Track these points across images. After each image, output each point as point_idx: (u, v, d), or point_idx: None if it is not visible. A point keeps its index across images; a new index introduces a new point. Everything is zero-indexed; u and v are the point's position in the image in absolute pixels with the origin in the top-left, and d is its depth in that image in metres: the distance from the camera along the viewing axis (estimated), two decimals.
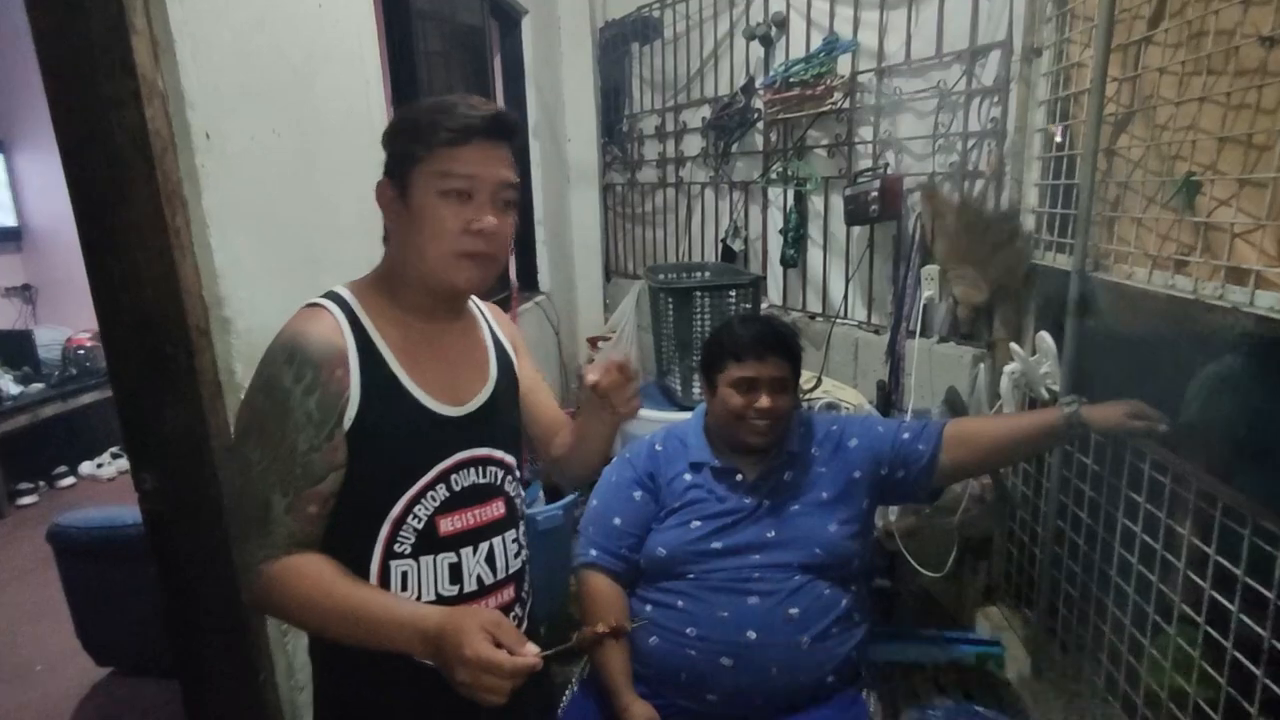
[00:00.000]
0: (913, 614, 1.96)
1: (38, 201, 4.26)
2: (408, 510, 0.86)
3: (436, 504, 0.88)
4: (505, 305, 2.78)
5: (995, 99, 1.83)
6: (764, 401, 1.35)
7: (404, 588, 0.87)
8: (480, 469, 0.93)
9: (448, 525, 0.89)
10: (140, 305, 1.10)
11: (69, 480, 3.89)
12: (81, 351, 3.96)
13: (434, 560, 0.88)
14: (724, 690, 1.29)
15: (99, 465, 3.97)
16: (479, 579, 0.91)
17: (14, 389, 3.59)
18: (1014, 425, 1.37)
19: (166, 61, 1.05)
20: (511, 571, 0.96)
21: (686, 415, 2.16)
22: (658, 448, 1.51)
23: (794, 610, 1.31)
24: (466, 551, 0.90)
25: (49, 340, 3.93)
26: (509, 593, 0.96)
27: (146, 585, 2.01)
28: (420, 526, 0.87)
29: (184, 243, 1.09)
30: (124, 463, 4.05)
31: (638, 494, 1.45)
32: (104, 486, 3.90)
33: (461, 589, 0.90)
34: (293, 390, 0.80)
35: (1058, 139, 1.53)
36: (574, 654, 0.87)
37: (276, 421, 0.80)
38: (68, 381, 3.83)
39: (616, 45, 3.45)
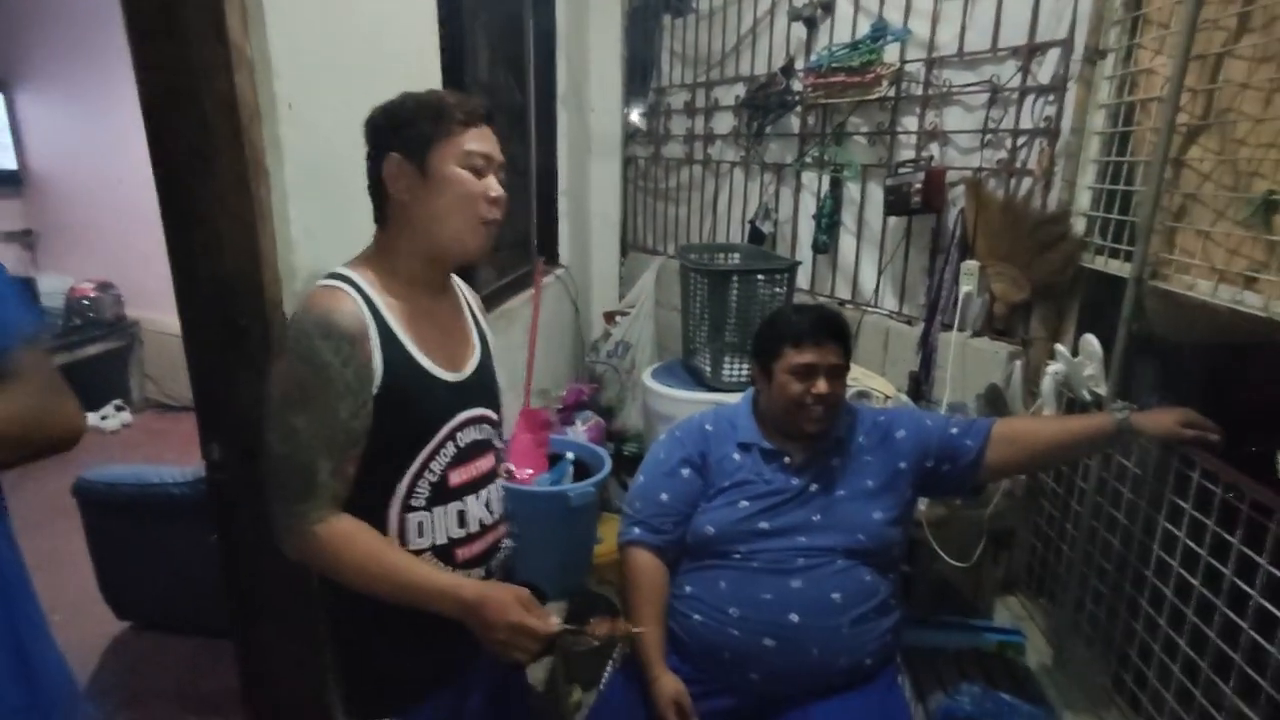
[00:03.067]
0: (931, 600, 2.01)
1: (40, 144, 4.14)
2: (424, 466, 0.97)
3: (448, 459, 1.00)
4: (528, 280, 2.77)
5: (1051, 98, 1.83)
6: (822, 387, 1.37)
7: (420, 535, 0.99)
8: (478, 426, 1.05)
9: (456, 477, 1.01)
10: (219, 275, 1.09)
11: None
12: (86, 302, 3.90)
13: (445, 509, 1.01)
14: (766, 670, 1.33)
15: (103, 418, 3.94)
16: (480, 521, 1.05)
17: None
18: (1064, 428, 1.40)
19: (255, 30, 1.03)
20: (502, 513, 1.12)
21: (712, 396, 2.20)
22: (708, 428, 1.52)
23: (836, 595, 1.34)
24: (470, 499, 1.03)
25: (51, 289, 3.85)
26: (503, 529, 1.12)
27: (170, 545, 2.05)
28: (435, 480, 0.99)
29: (265, 212, 1.08)
30: (127, 416, 4.03)
31: (686, 472, 1.47)
32: (109, 439, 3.88)
33: (467, 531, 1.03)
34: (332, 362, 0.88)
35: None
36: (584, 636, 1.01)
37: (320, 391, 0.89)
38: (71, 332, 3.79)
39: (645, 15, 3.39)
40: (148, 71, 1.02)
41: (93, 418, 3.93)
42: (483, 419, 1.06)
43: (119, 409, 4.02)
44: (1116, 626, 1.50)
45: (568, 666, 1.94)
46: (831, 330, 1.41)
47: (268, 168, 1.08)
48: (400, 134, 0.94)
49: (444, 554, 1.01)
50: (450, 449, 1.00)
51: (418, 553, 0.99)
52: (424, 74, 1.60)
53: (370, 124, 0.97)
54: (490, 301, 2.48)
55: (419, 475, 0.97)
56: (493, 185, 0.98)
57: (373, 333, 0.92)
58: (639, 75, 3.47)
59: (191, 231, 1.07)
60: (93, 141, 3.98)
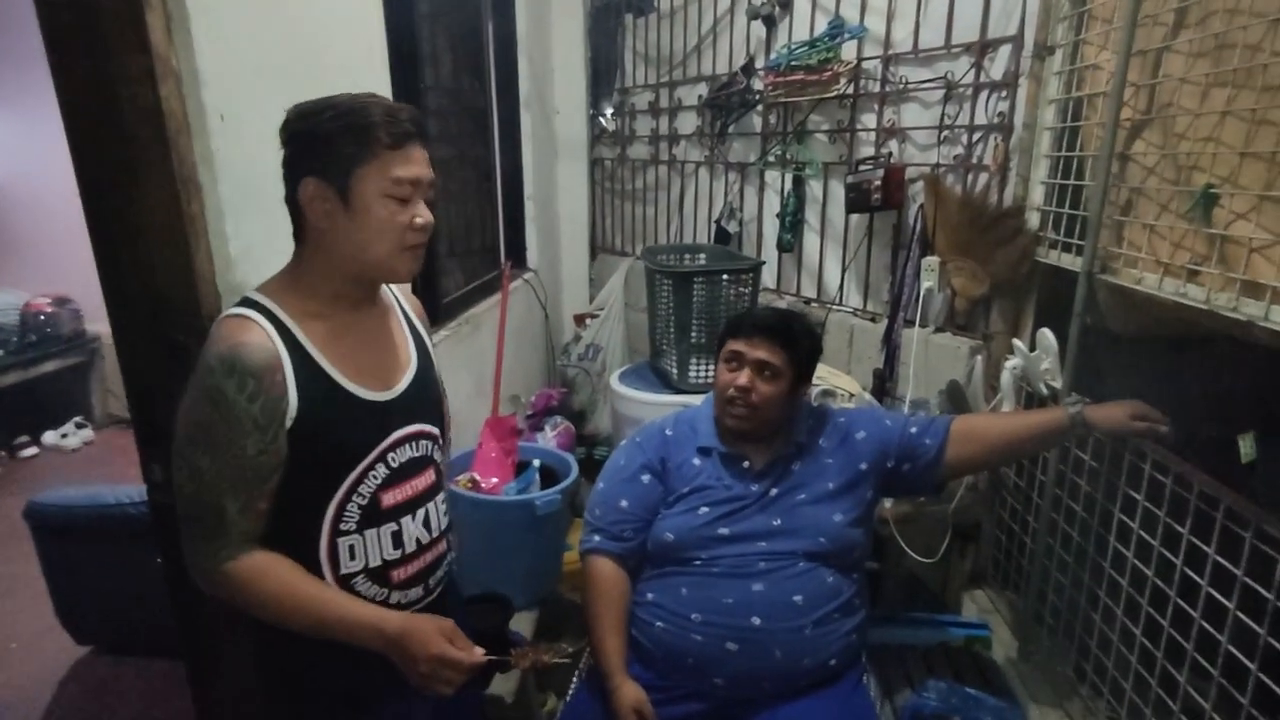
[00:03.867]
0: (899, 596, 2.02)
1: None
2: (352, 490, 0.94)
3: (379, 481, 0.96)
4: (496, 284, 2.74)
5: (1004, 94, 1.84)
6: (742, 379, 1.38)
7: (351, 558, 0.95)
8: (414, 444, 1.01)
9: (389, 499, 0.97)
10: (152, 294, 1.05)
11: (32, 450, 3.75)
12: (42, 317, 3.80)
13: (378, 532, 0.97)
14: (729, 674, 1.32)
15: (63, 435, 3.84)
16: (417, 540, 1.01)
17: None
18: (1020, 424, 1.41)
19: (180, 38, 1.00)
20: (443, 529, 1.08)
21: (679, 398, 2.20)
22: (668, 432, 1.52)
23: (798, 597, 1.34)
24: (406, 519, 1.00)
25: (6, 304, 3.74)
26: (441, 547, 1.08)
27: (129, 566, 1.99)
28: (364, 503, 0.95)
29: (199, 230, 1.05)
30: (89, 433, 3.93)
31: (646, 478, 1.46)
32: (69, 457, 3.78)
33: (404, 552, 1.00)
34: (236, 400, 0.85)
35: None
36: (508, 666, 1.01)
37: (224, 430, 0.85)
38: (28, 348, 3.68)
39: (608, 15, 3.37)
40: (67, 82, 0.98)
41: (52, 436, 3.83)
42: (420, 435, 1.02)
43: (80, 426, 3.92)
44: (1078, 617, 1.51)
45: (539, 675, 1.92)
46: (770, 329, 1.40)
47: (200, 183, 1.05)
48: (318, 154, 0.87)
49: (378, 575, 0.98)
50: (381, 470, 0.96)
51: (350, 576, 0.95)
52: (372, 79, 1.57)
53: (286, 135, 0.89)
54: (457, 307, 2.45)
55: (347, 499, 0.94)
56: (420, 211, 0.92)
57: (285, 362, 0.88)
58: (603, 76, 3.45)
59: (120, 249, 1.03)
60: (48, 155, 3.84)
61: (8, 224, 4.09)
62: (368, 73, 1.55)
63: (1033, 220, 1.75)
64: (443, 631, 0.89)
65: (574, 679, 1.55)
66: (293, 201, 0.91)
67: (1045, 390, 1.59)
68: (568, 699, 1.50)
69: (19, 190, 4.04)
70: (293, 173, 0.90)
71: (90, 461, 3.75)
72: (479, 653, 0.92)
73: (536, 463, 2.14)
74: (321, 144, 0.87)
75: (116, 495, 2.05)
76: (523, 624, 2.00)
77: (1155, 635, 1.26)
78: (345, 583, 0.96)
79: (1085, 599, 1.49)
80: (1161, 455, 1.25)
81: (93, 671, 2.19)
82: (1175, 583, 1.21)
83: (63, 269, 3.94)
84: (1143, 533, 1.30)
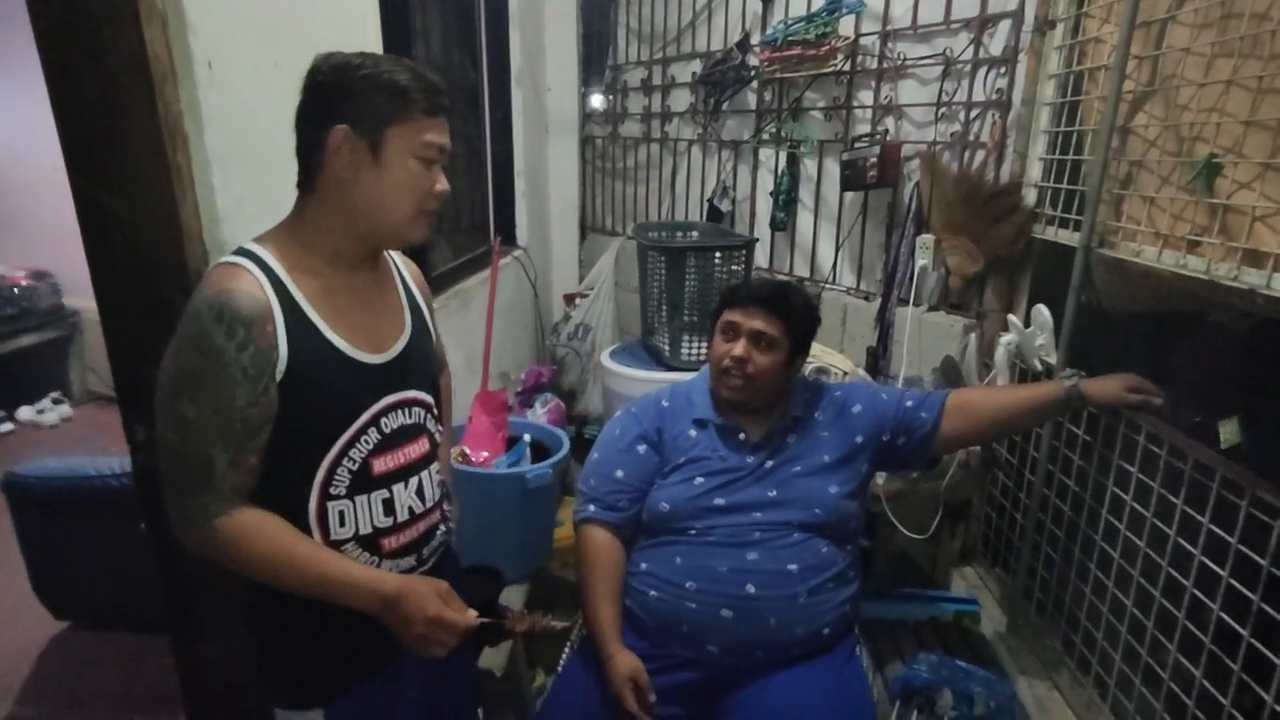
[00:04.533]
0: (890, 573, 2.03)
1: None
2: (342, 454, 0.91)
3: (370, 446, 0.94)
4: (485, 260, 2.70)
5: (1003, 70, 1.83)
6: (738, 349, 1.37)
7: (342, 524, 0.93)
8: (406, 410, 0.99)
9: (380, 465, 0.95)
10: (136, 249, 1.02)
11: (7, 426, 3.67)
12: (17, 290, 3.71)
13: (369, 498, 0.95)
14: (724, 641, 1.31)
15: (39, 411, 3.76)
16: (410, 509, 1.00)
17: None
18: (1016, 397, 1.41)
19: None
20: (436, 499, 1.06)
21: (670, 375, 2.18)
22: (664, 403, 1.50)
23: (793, 566, 1.33)
24: (398, 487, 0.98)
25: None
26: (435, 517, 1.07)
27: (109, 539, 1.96)
28: (355, 469, 0.93)
29: (185, 182, 1.01)
30: (66, 409, 3.85)
31: (642, 448, 1.45)
32: (46, 434, 3.70)
33: (395, 520, 0.98)
34: (225, 348, 0.82)
35: None
36: (503, 630, 1.03)
37: (211, 379, 0.82)
38: (3, 322, 3.60)
39: None
40: (47, 25, 0.94)
41: (28, 412, 3.75)
42: (412, 401, 1.00)
43: (57, 402, 3.83)
44: (1067, 591, 1.53)
45: (529, 650, 1.91)
46: (767, 299, 1.39)
47: (186, 133, 1.01)
48: (354, 105, 0.86)
49: (369, 543, 0.96)
50: (373, 435, 0.94)
51: (340, 542, 0.93)
52: (364, 42, 1.53)
53: (314, 80, 0.87)
54: (446, 281, 2.41)
55: (337, 463, 0.91)
56: (441, 179, 0.93)
57: (277, 313, 0.85)
58: (595, 53, 3.41)
59: (102, 202, 0.99)
60: (27, 127, 3.75)
61: None
62: (360, 34, 1.51)
63: (1030, 197, 1.75)
64: (439, 593, 0.88)
65: (565, 651, 1.53)
66: (308, 150, 0.89)
67: (1040, 366, 1.59)
68: (559, 669, 1.49)
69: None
70: (316, 120, 0.87)
71: (68, 438, 3.68)
72: (473, 615, 0.91)
73: (527, 437, 2.12)
74: (358, 95, 0.86)
75: (97, 467, 2.01)
76: (513, 598, 1.99)
77: (1146, 606, 1.27)
78: (336, 549, 0.93)
79: (1076, 573, 1.49)
80: (1155, 427, 1.25)
81: (72, 646, 2.15)
82: (1168, 553, 1.22)
83: (43, 243, 3.85)
84: (1136, 504, 1.30)
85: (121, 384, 1.11)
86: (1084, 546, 1.46)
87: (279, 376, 0.86)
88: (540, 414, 2.59)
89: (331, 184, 0.89)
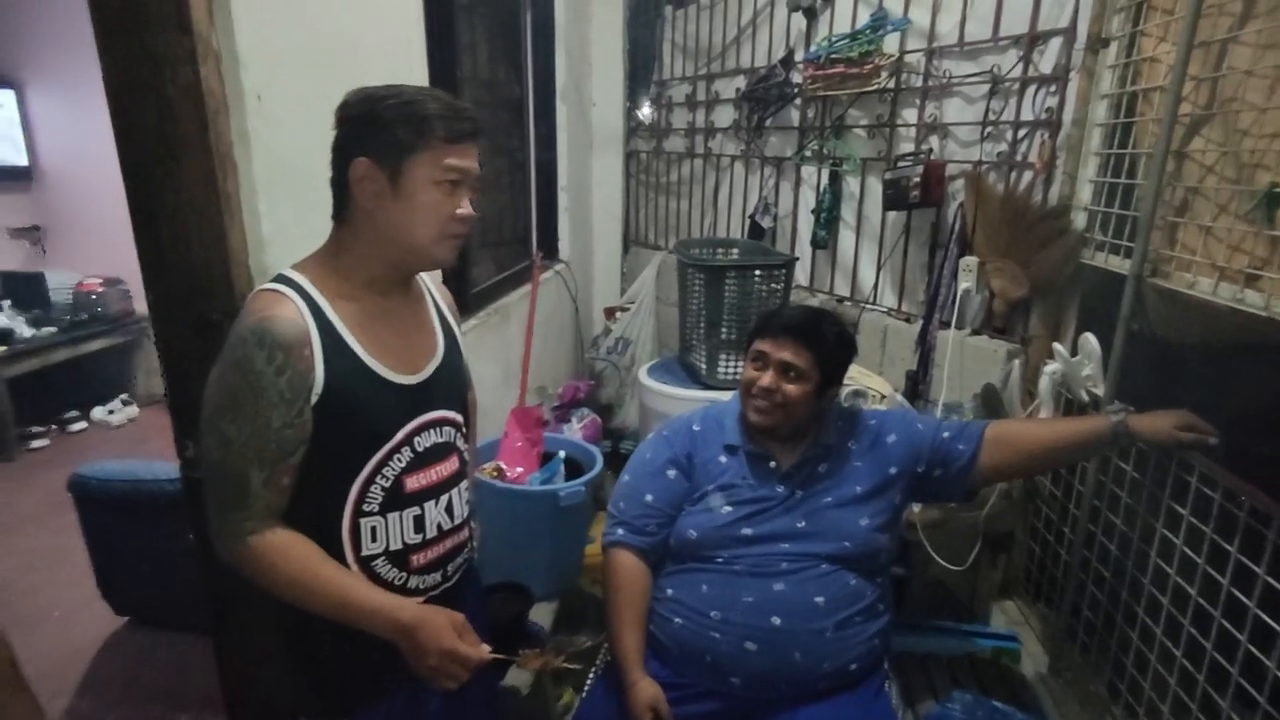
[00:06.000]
0: (926, 604, 1.98)
1: (50, 141, 4.17)
2: (376, 471, 0.95)
3: (403, 464, 0.97)
4: (526, 275, 2.75)
5: (1053, 88, 1.78)
6: (765, 380, 1.37)
7: (373, 540, 0.96)
8: (438, 429, 1.02)
9: (413, 483, 0.98)
10: (188, 271, 1.07)
11: (80, 425, 3.88)
12: (93, 296, 3.93)
13: (400, 515, 0.98)
14: (747, 674, 1.30)
15: (110, 411, 3.97)
16: (439, 526, 1.03)
17: (26, 331, 3.57)
18: (1058, 431, 1.36)
19: (221, 19, 1.01)
20: (465, 516, 1.09)
21: (707, 394, 2.17)
22: (696, 428, 1.50)
23: (820, 598, 1.31)
24: (429, 504, 1.01)
25: (59, 283, 3.89)
26: (463, 534, 1.09)
27: (165, 540, 2.05)
28: (388, 486, 0.96)
29: (233, 208, 1.06)
30: (134, 410, 4.05)
31: (672, 473, 1.45)
32: (114, 433, 3.90)
33: (424, 536, 1.01)
34: (265, 371, 0.86)
35: None
36: (513, 663, 1.04)
37: (251, 400, 0.86)
38: (78, 326, 3.81)
39: (648, 7, 3.35)
40: (112, 62, 1.00)
41: (99, 412, 3.96)
42: (444, 421, 1.03)
43: (125, 403, 4.04)
44: (1113, 634, 1.46)
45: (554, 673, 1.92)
46: (797, 329, 1.38)
47: (236, 161, 1.06)
48: (376, 137, 0.89)
49: (398, 559, 0.99)
50: (406, 454, 0.97)
51: (371, 558, 0.96)
52: (409, 66, 1.58)
53: (343, 114, 0.91)
54: (486, 297, 2.46)
55: (371, 480, 0.95)
56: (464, 203, 0.95)
57: (314, 338, 0.89)
58: (640, 68, 3.44)
59: (158, 226, 1.05)
60: (101, 137, 3.97)
61: (64, 206, 4.24)
62: (405, 60, 1.56)
63: (1079, 220, 1.69)
64: (454, 625, 0.90)
65: (591, 674, 1.54)
66: (339, 182, 0.92)
67: (1086, 397, 1.53)
68: (584, 693, 1.49)
69: (75, 174, 4.18)
70: (344, 153, 0.91)
71: (132, 439, 3.87)
72: (486, 650, 0.92)
73: (561, 454, 2.14)
74: (379, 128, 0.89)
75: (153, 471, 2.10)
76: (542, 615, 2.00)
77: (1198, 658, 1.20)
78: (366, 564, 0.96)
79: (1123, 616, 1.43)
80: (1209, 468, 1.19)
81: (128, 642, 2.25)
82: (1220, 603, 1.15)
83: (115, 251, 4.06)
84: (1187, 549, 1.24)
85: (173, 400, 1.16)
86: (1132, 589, 1.40)
87: (315, 399, 0.89)
88: (576, 429, 2.61)
89: (360, 214, 0.93)
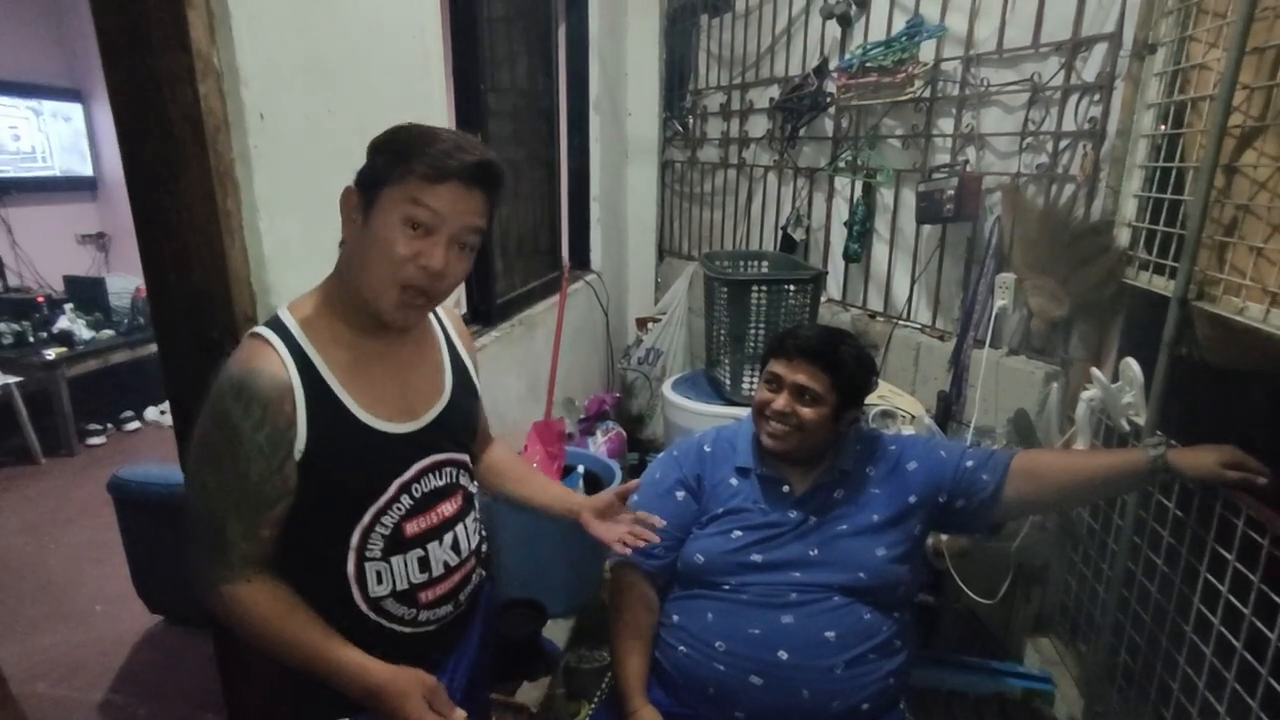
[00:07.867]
0: (956, 636, 1.88)
1: (113, 151, 4.37)
2: (374, 521, 0.92)
3: (402, 512, 0.94)
4: (555, 286, 2.74)
5: (1096, 97, 1.68)
6: (779, 403, 1.32)
7: (379, 583, 0.94)
8: (438, 472, 0.99)
9: (413, 528, 0.96)
10: (189, 288, 1.08)
11: (135, 424, 4.06)
12: None
13: (404, 558, 0.95)
14: (752, 709, 1.25)
15: (162, 412, 4.14)
16: (445, 564, 1.00)
17: (86, 334, 3.75)
18: (1090, 464, 1.27)
19: (222, 37, 1.02)
20: (473, 548, 1.06)
21: (730, 410, 2.12)
22: (706, 449, 1.46)
23: (830, 633, 1.25)
24: (433, 545, 0.98)
25: (119, 288, 4.07)
26: (471, 565, 1.06)
27: None
28: (387, 533, 0.93)
29: (233, 227, 1.07)
30: None
31: (680, 494, 1.41)
32: (166, 433, 4.06)
33: (431, 575, 0.98)
34: (241, 426, 0.84)
35: None
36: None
37: (229, 452, 0.84)
38: (136, 330, 3.98)
39: (684, 16, 3.33)
40: (117, 82, 1.02)
41: (153, 412, 4.13)
42: (445, 463, 1.00)
43: None
44: (1153, 681, 1.35)
45: (569, 684, 1.90)
46: (813, 351, 1.32)
47: (237, 179, 1.07)
48: (366, 168, 0.87)
49: (406, 597, 0.96)
50: (405, 502, 0.94)
51: (379, 599, 0.94)
52: (426, 83, 1.58)
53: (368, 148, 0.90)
54: (512, 308, 2.46)
55: (370, 529, 0.92)
56: (431, 249, 0.85)
57: (298, 392, 0.85)
58: (676, 77, 3.41)
59: (161, 243, 1.07)
60: None
61: (125, 214, 4.43)
62: (420, 76, 1.56)
63: (1122, 237, 1.58)
64: (425, 689, 0.87)
65: (590, 708, 1.51)
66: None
67: (1127, 426, 1.43)
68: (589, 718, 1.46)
69: None
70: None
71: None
72: (460, 715, 0.88)
73: (581, 469, 2.12)
74: (372, 154, 0.87)
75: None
76: (559, 632, 1.98)
77: (1243, 716, 1.10)
78: (376, 604, 0.95)
79: (1162, 663, 1.32)
80: (1257, 511, 1.09)
81: (161, 641, 2.33)
82: (1268, 660, 1.05)
83: None
84: (1232, 597, 1.14)
85: (178, 416, 1.18)
86: (1173, 636, 1.29)
87: (299, 454, 0.86)
88: (600, 443, 2.59)
89: (344, 246, 0.91)
